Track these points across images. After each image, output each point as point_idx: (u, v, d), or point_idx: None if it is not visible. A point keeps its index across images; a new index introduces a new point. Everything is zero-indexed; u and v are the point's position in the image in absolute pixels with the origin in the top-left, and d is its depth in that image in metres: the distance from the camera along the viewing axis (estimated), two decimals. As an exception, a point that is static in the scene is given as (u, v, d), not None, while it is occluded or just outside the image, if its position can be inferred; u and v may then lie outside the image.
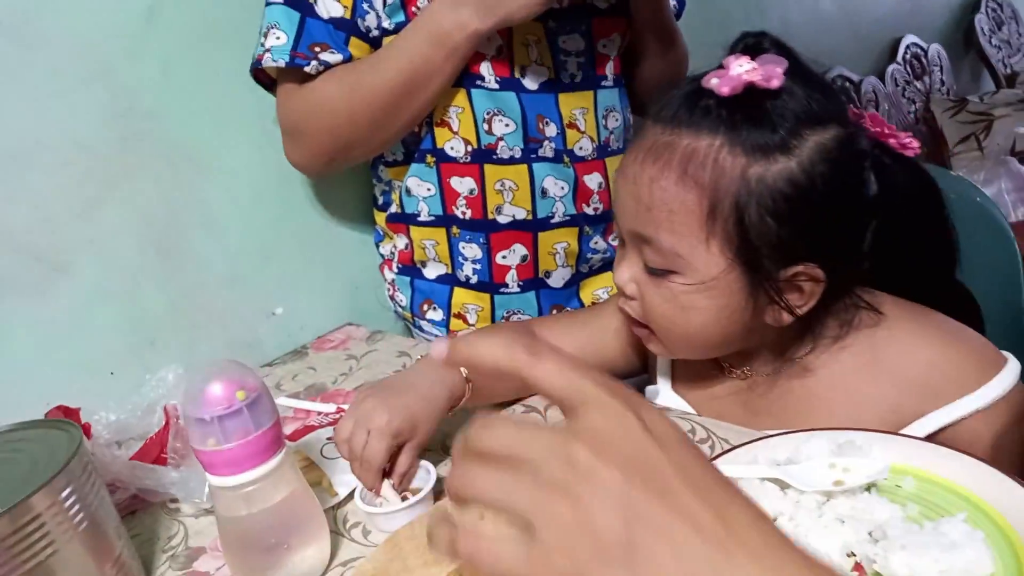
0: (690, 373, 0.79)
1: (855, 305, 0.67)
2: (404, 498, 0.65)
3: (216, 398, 0.53)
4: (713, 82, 0.60)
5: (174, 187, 0.97)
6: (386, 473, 0.66)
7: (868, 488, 0.55)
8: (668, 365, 0.81)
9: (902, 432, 0.62)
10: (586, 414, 0.33)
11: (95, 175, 0.90)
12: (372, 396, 0.67)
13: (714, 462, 0.61)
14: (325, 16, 0.89)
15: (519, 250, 1.00)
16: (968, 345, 0.66)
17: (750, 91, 0.59)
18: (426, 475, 0.67)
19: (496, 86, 0.94)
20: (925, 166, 0.70)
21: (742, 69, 0.59)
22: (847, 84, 2.37)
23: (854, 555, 0.51)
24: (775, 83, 0.59)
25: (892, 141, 0.66)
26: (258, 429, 0.54)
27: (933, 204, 0.67)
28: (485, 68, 0.92)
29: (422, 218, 1.01)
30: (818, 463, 0.56)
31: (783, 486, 0.56)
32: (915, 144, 0.66)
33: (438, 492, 0.69)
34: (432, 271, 1.05)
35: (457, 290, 1.04)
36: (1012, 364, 0.65)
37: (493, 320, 1.04)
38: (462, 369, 0.72)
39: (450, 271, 1.03)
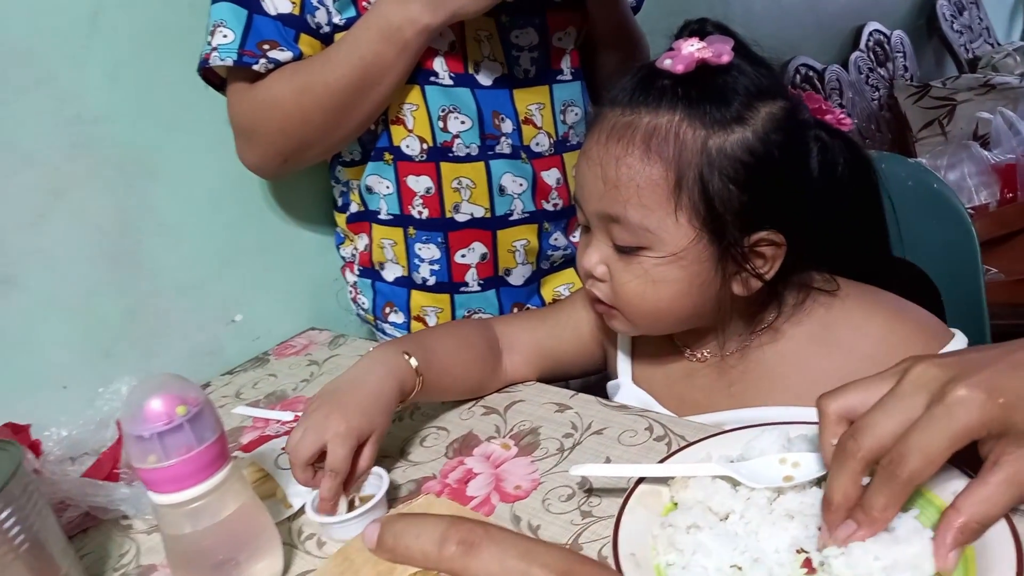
0: (648, 363, 0.80)
1: (808, 286, 0.70)
2: (354, 505, 0.64)
3: (155, 414, 0.52)
4: (667, 62, 0.64)
5: (126, 194, 0.95)
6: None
7: (819, 483, 0.55)
8: (628, 359, 0.81)
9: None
10: None
11: (42, 184, 0.88)
12: (322, 404, 0.66)
13: (668, 459, 0.61)
14: (273, 12, 0.87)
15: (478, 248, 0.99)
16: (916, 320, 0.69)
17: (702, 68, 0.63)
18: (378, 481, 0.66)
19: (450, 82, 0.93)
20: (884, 152, 0.73)
21: (693, 48, 0.63)
22: (810, 73, 2.38)
23: (804, 551, 0.51)
24: (725, 59, 0.63)
25: (829, 117, 0.68)
26: (201, 444, 0.53)
27: (867, 178, 0.70)
28: (438, 64, 0.91)
29: (382, 216, 1.00)
30: (769, 459, 0.56)
31: (734, 483, 0.55)
32: (848, 121, 0.69)
33: (391, 498, 0.69)
34: (390, 273, 1.04)
35: (414, 293, 1.03)
36: (959, 338, 0.68)
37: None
38: (411, 360, 0.71)
39: (406, 273, 1.02)
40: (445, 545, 0.32)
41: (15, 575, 0.54)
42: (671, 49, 0.65)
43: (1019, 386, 0.44)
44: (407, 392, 0.71)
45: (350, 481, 0.65)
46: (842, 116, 0.68)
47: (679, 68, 0.63)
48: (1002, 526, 0.47)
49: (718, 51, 0.62)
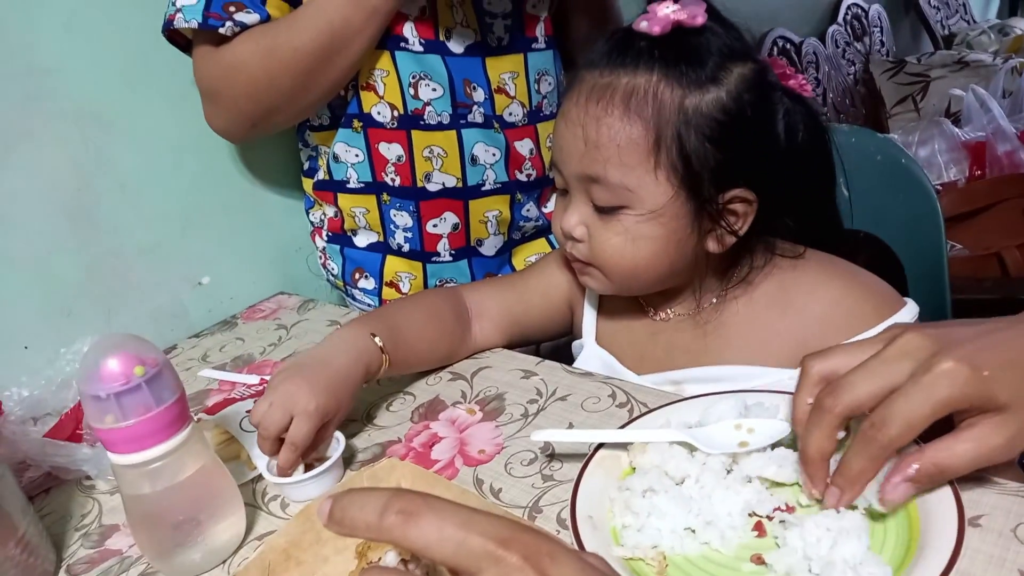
0: (613, 323, 0.81)
1: (771, 251, 0.72)
2: (311, 466, 0.64)
3: (112, 374, 0.51)
4: (643, 24, 0.65)
5: (83, 149, 0.93)
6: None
7: (774, 448, 0.56)
8: (593, 320, 0.83)
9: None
10: None
11: (-8, 136, 0.86)
12: (291, 377, 0.66)
13: (628, 425, 0.62)
14: None
15: (450, 218, 0.99)
16: (868, 286, 0.71)
17: (677, 30, 0.64)
18: (335, 443, 0.66)
19: (420, 49, 0.91)
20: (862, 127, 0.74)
21: (669, 10, 0.64)
22: (788, 46, 2.38)
23: (756, 515, 0.52)
24: (700, 20, 0.64)
25: (792, 82, 0.69)
26: (160, 405, 0.52)
27: (823, 146, 0.71)
28: (408, 30, 0.90)
29: (351, 185, 0.99)
30: (725, 425, 0.57)
31: (691, 449, 0.56)
32: (809, 87, 0.70)
33: (357, 462, 0.69)
34: (363, 239, 1.03)
35: (390, 258, 1.03)
36: (911, 306, 0.69)
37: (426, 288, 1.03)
38: (377, 340, 0.71)
39: (382, 239, 1.01)
40: (386, 515, 0.33)
41: (-28, 534, 0.54)
42: (646, 12, 0.66)
43: (1003, 361, 0.45)
44: (373, 372, 0.72)
45: (307, 454, 0.65)
46: (803, 82, 0.69)
47: (656, 30, 0.64)
48: (947, 493, 0.48)
49: (692, 13, 0.63)
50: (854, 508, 0.50)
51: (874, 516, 0.50)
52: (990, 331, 0.47)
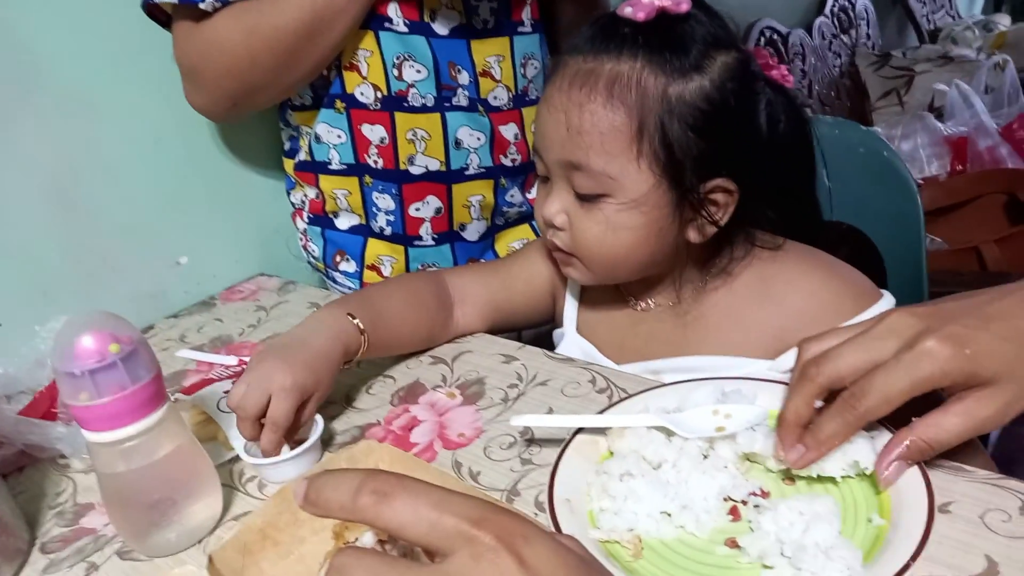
0: (594, 313, 0.81)
1: (751, 242, 0.72)
2: (289, 448, 0.64)
3: (87, 351, 0.51)
4: (628, 10, 0.65)
5: (61, 129, 0.92)
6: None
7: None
8: (574, 309, 0.83)
9: (782, 374, 0.65)
10: (455, 557, 0.31)
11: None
12: (268, 358, 0.65)
13: (607, 411, 0.62)
14: None
15: (433, 202, 0.99)
16: (846, 279, 0.71)
17: (662, 17, 0.64)
18: (314, 425, 0.66)
19: (405, 29, 0.91)
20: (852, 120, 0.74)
21: None
22: (775, 36, 2.39)
23: (732, 500, 0.53)
24: (684, 7, 0.64)
25: (774, 73, 0.69)
26: (135, 383, 0.52)
27: (803, 137, 0.71)
28: (392, 9, 0.89)
29: (333, 166, 0.98)
30: (702, 410, 0.58)
31: (669, 434, 0.57)
32: (791, 77, 0.71)
33: (335, 444, 0.69)
34: (344, 222, 1.02)
35: (372, 241, 1.02)
36: (888, 298, 0.70)
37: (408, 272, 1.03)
38: (357, 322, 0.71)
39: (364, 221, 1.01)
40: (359, 495, 0.33)
41: (-57, 512, 0.53)
42: None
43: (987, 339, 0.46)
44: (352, 353, 0.71)
45: (289, 435, 0.65)
46: (785, 72, 0.70)
47: (640, 16, 0.64)
48: (918, 480, 0.49)
49: (677, 0, 0.63)
50: (829, 480, 0.51)
51: (845, 497, 0.51)
52: (979, 305, 0.49)
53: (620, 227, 0.67)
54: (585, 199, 0.68)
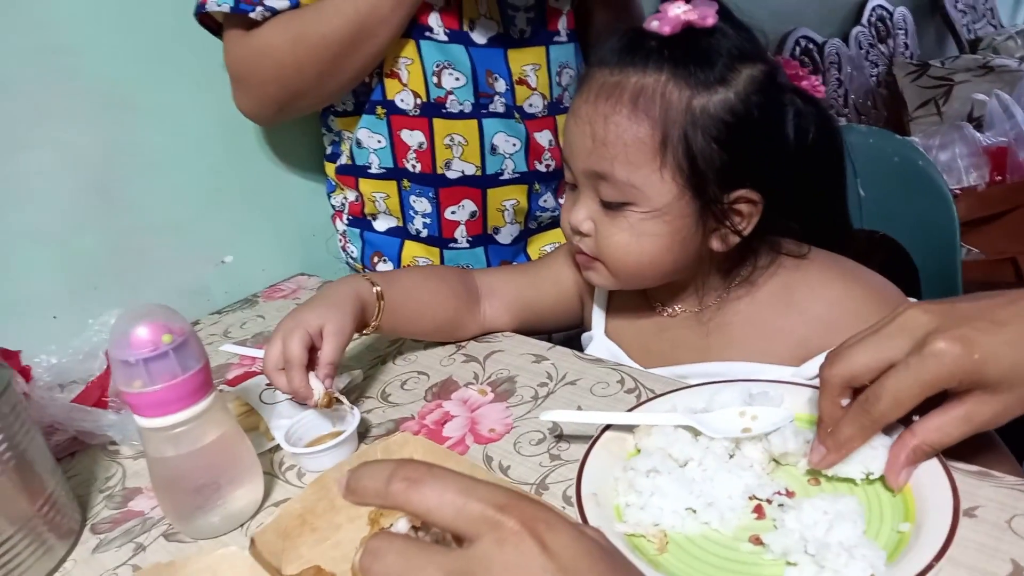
0: (621, 317, 0.83)
1: (776, 250, 0.73)
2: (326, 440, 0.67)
3: (142, 341, 0.54)
4: (654, 24, 0.66)
5: (110, 128, 0.96)
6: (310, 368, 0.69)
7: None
8: (602, 313, 0.84)
9: (807, 380, 0.65)
10: (480, 541, 0.32)
11: (19, 114, 0.88)
12: (288, 315, 0.71)
13: (635, 409, 0.64)
14: None
15: (468, 206, 1.01)
16: (871, 286, 0.72)
17: (688, 31, 0.65)
18: (351, 417, 0.68)
19: (445, 38, 0.93)
20: (885, 128, 0.74)
21: (680, 11, 0.65)
22: (810, 46, 2.38)
23: (756, 498, 0.54)
24: (710, 21, 0.65)
25: (804, 83, 0.70)
26: (185, 372, 0.55)
27: (834, 147, 0.72)
28: (433, 19, 0.92)
29: (373, 170, 1.01)
30: (729, 411, 0.59)
31: (695, 433, 0.58)
32: (822, 88, 0.71)
33: (371, 437, 0.71)
34: (382, 224, 1.05)
35: (408, 243, 1.05)
36: None
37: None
38: (375, 287, 0.75)
39: (401, 224, 1.03)
40: (392, 482, 0.35)
41: (2, 491, 0.56)
42: (658, 11, 0.67)
43: (996, 342, 0.47)
44: (368, 307, 0.75)
45: (319, 371, 0.69)
46: (816, 83, 0.70)
47: (666, 30, 0.65)
48: (944, 484, 0.50)
49: (703, 14, 0.64)
50: (851, 481, 0.53)
51: (871, 499, 0.52)
52: (993, 308, 0.49)
53: (644, 235, 0.68)
54: (610, 207, 0.69)
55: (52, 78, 0.90)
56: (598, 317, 0.84)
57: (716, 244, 0.70)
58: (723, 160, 0.65)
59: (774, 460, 0.57)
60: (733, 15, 0.67)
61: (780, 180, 0.68)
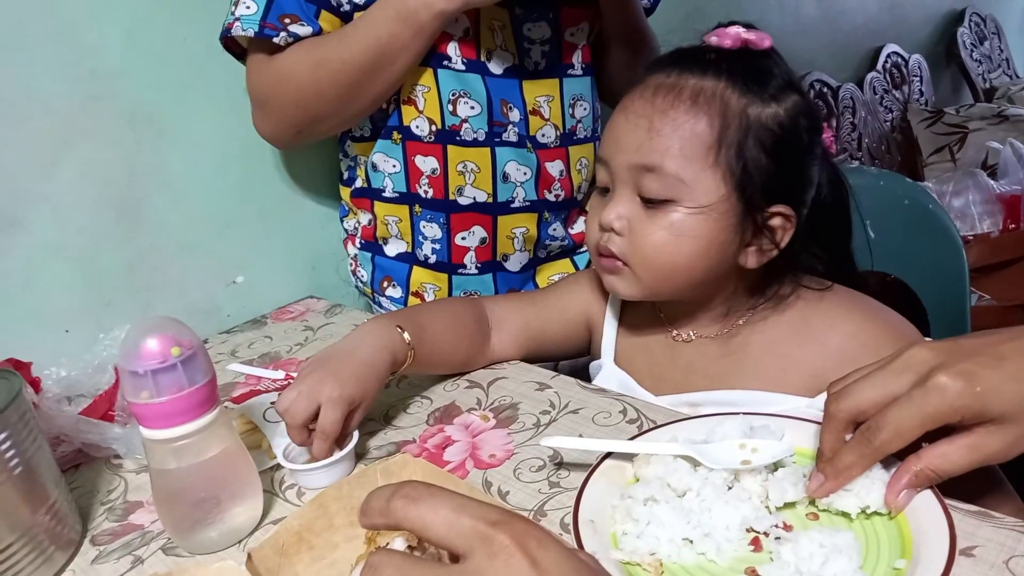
0: (632, 343, 0.83)
1: (798, 281, 0.74)
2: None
3: (151, 352, 0.54)
4: (714, 39, 0.70)
5: (135, 150, 0.98)
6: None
7: (775, 469, 0.57)
8: (612, 339, 0.84)
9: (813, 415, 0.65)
10: (472, 556, 0.34)
11: (55, 132, 0.91)
12: (317, 369, 0.69)
13: (636, 439, 0.64)
14: None
15: (478, 232, 1.02)
16: (888, 322, 0.72)
17: (745, 50, 0.69)
18: (349, 436, 0.69)
19: (462, 68, 0.95)
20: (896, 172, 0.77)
21: (739, 30, 0.69)
22: (824, 89, 2.40)
23: (754, 531, 0.54)
24: (767, 43, 0.69)
25: (825, 136, 0.72)
26: (191, 385, 0.56)
27: (842, 200, 0.75)
28: (452, 49, 0.94)
29: (387, 194, 1.02)
30: (730, 443, 0.59)
31: (695, 463, 0.58)
32: (834, 144, 0.74)
33: (371, 459, 0.72)
34: (393, 248, 1.06)
35: (416, 269, 1.06)
36: None
37: (450, 299, 1.06)
38: (404, 334, 0.74)
39: (410, 249, 1.05)
40: (393, 499, 0.37)
41: (7, 498, 0.57)
42: (715, 30, 0.70)
43: (998, 378, 0.48)
44: (399, 364, 0.74)
45: (338, 442, 0.68)
46: (830, 137, 0.73)
47: (727, 43, 0.68)
48: (941, 521, 0.49)
49: (760, 36, 0.68)
50: (847, 516, 0.53)
51: (868, 535, 0.51)
52: (995, 343, 0.50)
53: (683, 234, 0.69)
54: (651, 203, 0.70)
55: (86, 98, 0.93)
56: (608, 344, 0.84)
57: (751, 260, 0.71)
58: (770, 171, 0.68)
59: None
60: (778, 52, 0.71)
61: (807, 209, 0.70)
